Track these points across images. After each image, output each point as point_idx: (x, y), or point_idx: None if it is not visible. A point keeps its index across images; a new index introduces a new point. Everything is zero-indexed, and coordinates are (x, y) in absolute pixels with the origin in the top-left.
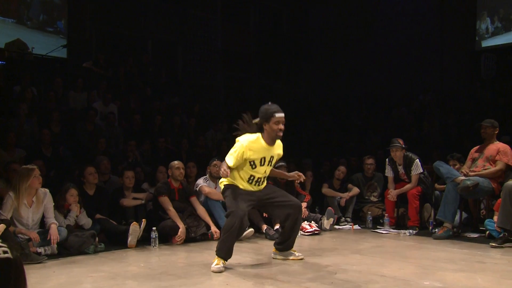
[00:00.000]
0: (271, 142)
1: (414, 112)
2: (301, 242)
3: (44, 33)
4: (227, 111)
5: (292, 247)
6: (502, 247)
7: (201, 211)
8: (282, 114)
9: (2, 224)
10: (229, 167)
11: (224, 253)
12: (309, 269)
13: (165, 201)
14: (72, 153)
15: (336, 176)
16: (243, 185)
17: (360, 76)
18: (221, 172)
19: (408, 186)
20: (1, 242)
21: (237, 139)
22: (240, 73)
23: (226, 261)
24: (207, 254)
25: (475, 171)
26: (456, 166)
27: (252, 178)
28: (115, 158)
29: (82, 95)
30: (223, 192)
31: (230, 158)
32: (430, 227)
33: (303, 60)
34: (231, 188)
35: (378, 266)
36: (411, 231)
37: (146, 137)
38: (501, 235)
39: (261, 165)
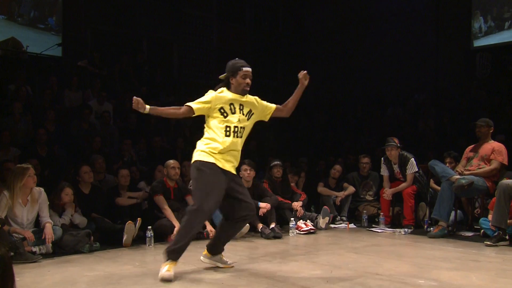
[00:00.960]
0: (236, 93)
1: (409, 111)
2: (297, 240)
3: (35, 29)
4: None
5: (222, 251)
6: (496, 245)
7: None
8: (250, 68)
9: None
10: (188, 111)
11: (176, 254)
12: (305, 268)
13: (161, 200)
14: (67, 152)
15: (331, 175)
16: (220, 150)
17: (356, 75)
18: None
19: (403, 185)
20: None
21: None
22: None
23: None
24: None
25: (470, 170)
26: (452, 165)
27: (228, 129)
28: (111, 157)
29: (77, 93)
30: (194, 169)
31: (195, 102)
32: (425, 226)
33: (298, 59)
34: (204, 170)
35: (373, 265)
36: (406, 229)
37: (141, 136)
38: (496, 233)
39: (232, 113)
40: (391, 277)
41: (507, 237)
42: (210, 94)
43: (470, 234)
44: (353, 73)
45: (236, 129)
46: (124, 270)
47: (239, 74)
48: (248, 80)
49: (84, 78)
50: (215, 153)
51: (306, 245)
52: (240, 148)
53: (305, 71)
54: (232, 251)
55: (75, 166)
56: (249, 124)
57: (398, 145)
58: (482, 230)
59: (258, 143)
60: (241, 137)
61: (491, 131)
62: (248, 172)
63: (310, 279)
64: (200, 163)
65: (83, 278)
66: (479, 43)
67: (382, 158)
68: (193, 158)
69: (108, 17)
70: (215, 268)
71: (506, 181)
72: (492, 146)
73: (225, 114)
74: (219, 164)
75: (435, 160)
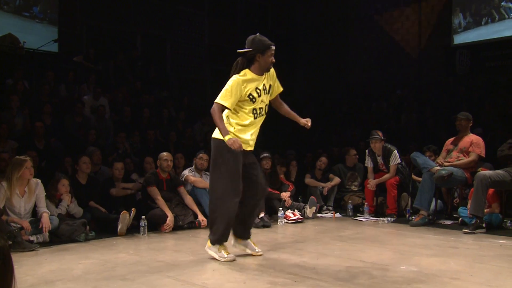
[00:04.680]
0: (260, 73)
1: (393, 106)
2: (285, 229)
3: (20, 17)
4: None
5: (250, 235)
6: (474, 233)
7: (189, 200)
8: (274, 47)
9: None
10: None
11: (221, 239)
12: (292, 256)
13: (154, 191)
14: (64, 144)
15: (317, 166)
16: (242, 131)
17: (342, 71)
18: (231, 144)
19: (386, 176)
20: None
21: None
22: (226, 67)
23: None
24: (194, 241)
25: (450, 162)
26: (432, 158)
27: (255, 111)
28: (106, 149)
29: (73, 88)
30: (217, 151)
31: (225, 97)
32: (407, 215)
33: (287, 55)
34: (227, 158)
35: (358, 252)
36: (389, 218)
37: (135, 129)
38: (473, 222)
39: (259, 96)
40: (374, 264)
41: (483, 225)
42: (236, 83)
43: (449, 222)
44: (339, 69)
45: (261, 110)
46: (119, 258)
47: (268, 52)
48: (273, 59)
49: (80, 73)
50: (240, 136)
51: (293, 233)
52: (259, 126)
53: (309, 123)
54: None
55: (74, 157)
56: (270, 98)
57: (382, 138)
58: (460, 219)
59: None
60: (264, 114)
61: (470, 124)
62: None
63: (297, 266)
64: (225, 145)
65: (79, 265)
66: (458, 38)
67: (367, 150)
68: (214, 133)
69: (103, 13)
70: (206, 254)
71: (483, 172)
72: (471, 139)
73: (254, 100)
74: (243, 147)
75: (417, 152)
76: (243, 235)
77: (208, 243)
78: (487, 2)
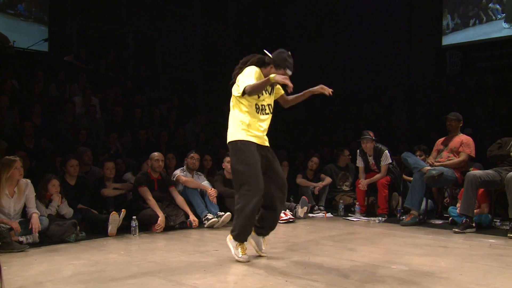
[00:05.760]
0: (265, 76)
1: (383, 106)
2: (276, 229)
3: (4, 14)
4: (206, 105)
5: (267, 234)
6: (464, 232)
7: (180, 200)
8: (290, 73)
9: None
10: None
11: (243, 236)
12: (284, 255)
13: (145, 191)
14: (54, 144)
15: (309, 166)
16: (253, 126)
17: (333, 72)
18: (277, 79)
19: (377, 176)
20: None
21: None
22: (218, 68)
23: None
24: (186, 242)
25: (440, 162)
26: (422, 157)
27: (257, 107)
28: (97, 150)
29: (63, 88)
30: (233, 149)
31: (248, 79)
32: (398, 215)
33: None
34: (244, 151)
35: (349, 252)
36: (380, 218)
37: (127, 129)
38: (463, 221)
39: (263, 93)
40: (365, 263)
41: (473, 224)
42: (256, 70)
43: (439, 222)
44: (330, 70)
45: (263, 107)
46: (109, 259)
47: (279, 71)
48: (285, 82)
49: (71, 72)
50: (249, 131)
51: (285, 233)
52: (268, 125)
53: (329, 90)
54: (214, 239)
55: (62, 158)
56: (273, 99)
57: (373, 138)
58: (450, 218)
59: None
60: (269, 113)
61: (460, 124)
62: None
63: (288, 266)
64: (240, 142)
65: (69, 266)
66: (447, 39)
67: (358, 150)
68: (228, 138)
69: (94, 13)
70: (197, 254)
71: (473, 172)
72: (461, 139)
73: (259, 95)
74: (256, 141)
75: (408, 152)
76: (262, 232)
77: (230, 235)
78: (474, 3)
